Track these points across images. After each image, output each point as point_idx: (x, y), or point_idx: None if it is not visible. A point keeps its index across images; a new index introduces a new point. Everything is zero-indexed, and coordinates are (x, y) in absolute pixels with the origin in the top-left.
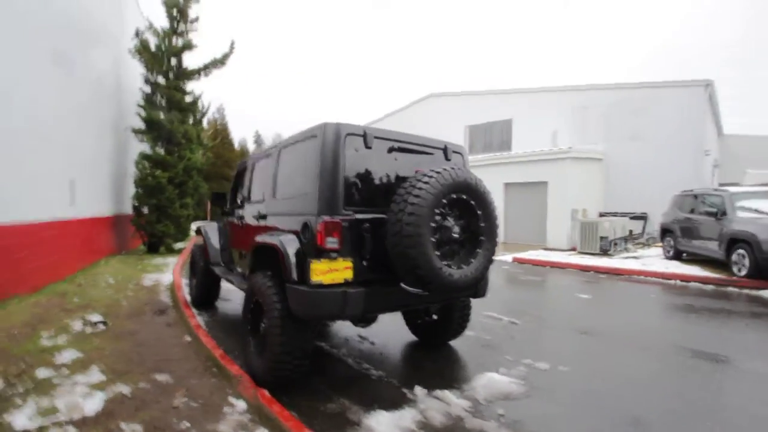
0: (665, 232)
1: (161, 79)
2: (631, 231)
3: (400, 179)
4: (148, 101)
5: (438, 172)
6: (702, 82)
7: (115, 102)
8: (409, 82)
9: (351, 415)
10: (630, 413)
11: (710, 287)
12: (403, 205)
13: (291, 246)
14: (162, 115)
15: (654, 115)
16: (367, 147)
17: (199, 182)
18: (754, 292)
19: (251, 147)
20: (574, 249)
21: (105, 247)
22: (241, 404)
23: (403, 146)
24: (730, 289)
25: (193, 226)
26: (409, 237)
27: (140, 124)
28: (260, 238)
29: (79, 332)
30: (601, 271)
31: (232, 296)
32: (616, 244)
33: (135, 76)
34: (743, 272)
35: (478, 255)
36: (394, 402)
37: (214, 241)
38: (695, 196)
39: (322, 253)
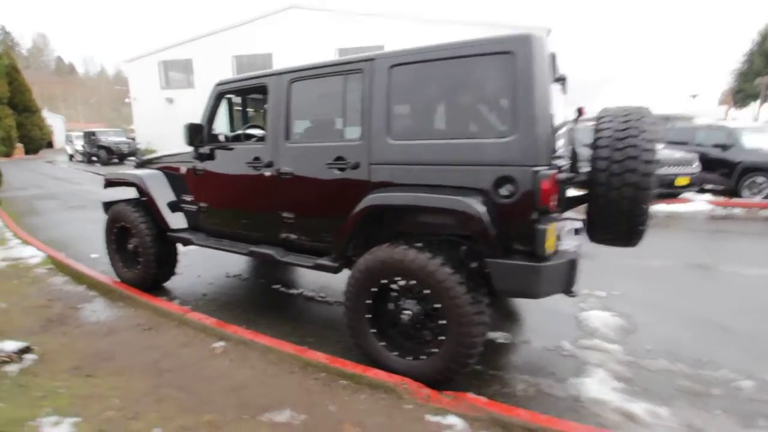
0: None
1: None
2: None
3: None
4: None
5: (649, 112)
6: (544, 28)
7: None
8: None
9: (557, 392)
10: (711, 320)
11: None
12: (635, 152)
13: (488, 209)
14: None
15: None
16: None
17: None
18: None
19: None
20: None
21: None
22: (453, 421)
23: (561, 76)
24: None
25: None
26: (647, 189)
27: None
28: (393, 199)
29: None
30: None
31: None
32: None
33: None
34: None
35: None
36: (562, 365)
37: (166, 198)
38: None
39: (543, 215)
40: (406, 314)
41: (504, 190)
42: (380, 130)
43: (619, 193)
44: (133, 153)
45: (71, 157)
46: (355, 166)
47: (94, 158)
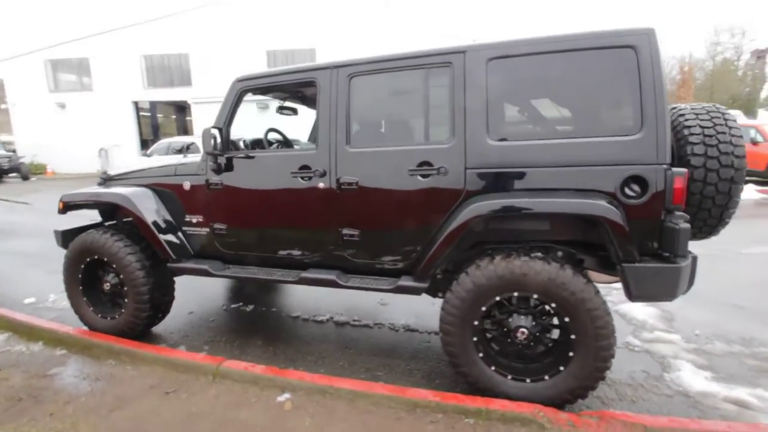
0: None
1: None
2: None
3: None
4: None
5: (725, 109)
6: (471, 38)
7: None
8: None
9: (664, 390)
10: (731, 302)
11: None
12: (729, 148)
13: (618, 211)
14: None
15: None
16: None
17: None
18: None
19: None
20: None
21: None
22: None
23: None
24: None
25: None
26: (740, 183)
27: None
28: (517, 205)
29: None
30: None
31: None
32: None
33: None
34: None
35: None
36: (643, 361)
37: (162, 220)
38: None
39: (669, 214)
40: (522, 332)
41: (630, 191)
42: (478, 131)
43: (714, 188)
44: (16, 168)
45: None
46: (446, 172)
47: None
